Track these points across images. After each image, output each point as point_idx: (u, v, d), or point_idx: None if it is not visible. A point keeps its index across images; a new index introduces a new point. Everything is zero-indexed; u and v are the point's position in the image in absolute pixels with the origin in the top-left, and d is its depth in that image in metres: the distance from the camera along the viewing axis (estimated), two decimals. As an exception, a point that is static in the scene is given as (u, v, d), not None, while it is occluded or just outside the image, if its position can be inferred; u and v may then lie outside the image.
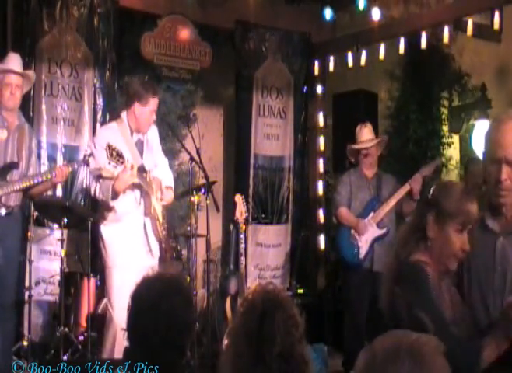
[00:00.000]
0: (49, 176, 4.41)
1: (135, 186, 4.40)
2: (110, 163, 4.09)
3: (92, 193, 4.40)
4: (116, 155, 4.05)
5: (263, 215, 6.93)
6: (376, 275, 5.30)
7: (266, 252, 6.95)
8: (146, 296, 2.10)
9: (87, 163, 4.65)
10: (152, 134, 4.69)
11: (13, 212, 4.44)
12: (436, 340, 1.47)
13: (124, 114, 4.53)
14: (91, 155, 4.47)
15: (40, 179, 4.40)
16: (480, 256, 2.49)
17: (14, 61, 4.57)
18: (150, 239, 4.52)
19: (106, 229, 4.51)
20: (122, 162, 4.08)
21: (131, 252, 4.43)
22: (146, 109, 4.45)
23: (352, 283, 5.41)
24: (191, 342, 2.20)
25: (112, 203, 4.31)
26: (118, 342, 4.24)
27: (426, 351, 1.42)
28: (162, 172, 4.72)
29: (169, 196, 4.67)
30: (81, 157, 5.46)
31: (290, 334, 1.85)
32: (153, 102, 4.48)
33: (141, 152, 4.53)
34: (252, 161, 6.91)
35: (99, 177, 4.29)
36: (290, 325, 1.87)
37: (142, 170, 4.39)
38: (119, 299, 4.25)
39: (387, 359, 1.42)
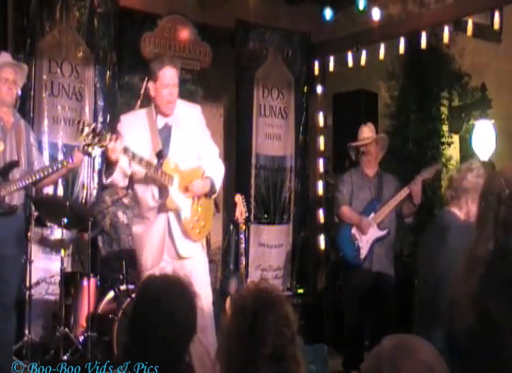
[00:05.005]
0: (51, 171, 4.41)
1: (150, 178, 3.95)
2: (85, 142, 3.65)
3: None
4: (90, 133, 3.61)
5: (265, 215, 6.93)
6: (377, 275, 5.32)
7: (268, 253, 6.95)
8: (148, 295, 2.10)
9: (86, 153, 4.59)
10: (188, 117, 4.11)
11: (17, 212, 4.43)
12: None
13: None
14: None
15: (41, 175, 4.39)
16: None
17: (7, 56, 4.57)
18: (176, 237, 4.02)
19: (135, 227, 4.16)
20: (100, 141, 3.62)
21: (154, 254, 4.03)
22: (158, 85, 3.93)
23: (352, 283, 5.41)
24: (188, 347, 2.17)
25: (107, 182, 3.89)
26: None
27: None
28: (206, 161, 4.14)
29: (199, 185, 4.04)
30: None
31: (282, 335, 1.84)
32: (163, 74, 3.92)
33: (166, 138, 4.01)
34: (254, 161, 6.91)
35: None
36: (282, 325, 1.86)
37: (159, 157, 3.94)
38: None
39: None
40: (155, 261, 4.02)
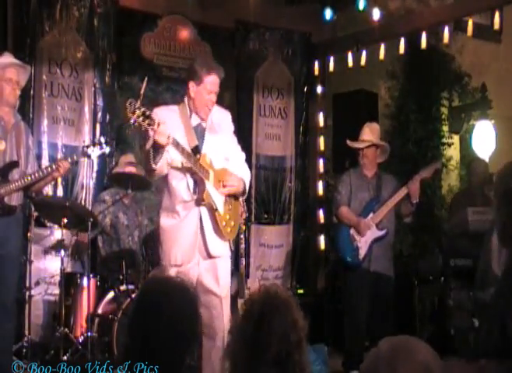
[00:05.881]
0: (50, 171, 4.39)
1: (187, 171, 3.92)
2: (135, 123, 3.59)
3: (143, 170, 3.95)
4: (141, 115, 3.55)
5: (265, 216, 6.93)
6: (376, 276, 5.31)
7: (268, 253, 6.95)
8: (150, 297, 2.09)
9: (86, 154, 4.58)
10: (221, 122, 4.16)
11: (16, 212, 4.43)
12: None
13: (185, 97, 4.09)
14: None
15: (41, 175, 4.37)
16: None
17: (11, 57, 4.56)
18: (208, 236, 3.97)
19: (161, 221, 4.03)
20: (149, 124, 3.58)
21: (184, 250, 3.95)
22: (201, 89, 3.97)
23: (352, 283, 5.40)
24: (191, 352, 2.17)
25: (155, 166, 3.74)
26: None
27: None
28: (234, 165, 4.16)
29: (235, 182, 4.07)
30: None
31: (287, 342, 1.82)
32: (209, 81, 3.99)
33: (200, 137, 4.01)
34: (254, 161, 6.90)
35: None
36: (288, 331, 1.84)
37: (195, 151, 3.92)
38: None
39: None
40: (186, 258, 3.94)
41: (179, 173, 3.94)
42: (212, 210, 3.97)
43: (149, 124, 3.58)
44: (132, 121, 3.60)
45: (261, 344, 1.81)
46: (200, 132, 4.03)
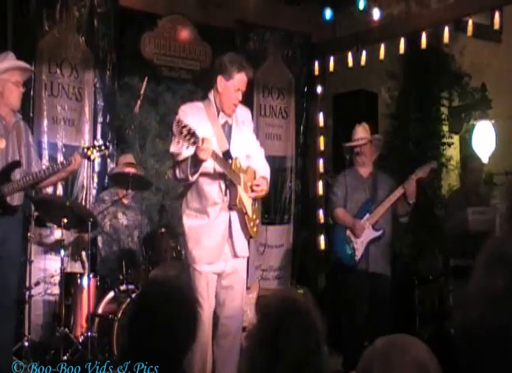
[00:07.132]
0: (58, 168, 4.39)
1: (219, 175, 3.96)
2: (178, 142, 3.70)
3: (173, 176, 4.02)
4: (187, 134, 3.58)
5: (265, 215, 6.93)
6: (373, 276, 5.31)
7: (269, 253, 6.95)
8: (148, 301, 2.09)
9: (86, 156, 4.58)
10: (245, 119, 4.22)
11: (17, 212, 4.43)
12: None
13: (210, 93, 4.10)
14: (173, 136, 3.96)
15: (46, 173, 4.37)
16: None
17: (14, 58, 4.56)
18: (235, 237, 4.05)
19: (189, 221, 4.06)
20: (194, 143, 3.61)
21: (211, 250, 4.00)
22: (229, 85, 3.99)
23: (350, 284, 5.40)
24: (186, 355, 2.17)
25: (192, 179, 3.85)
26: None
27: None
28: (256, 162, 4.24)
29: (264, 186, 4.16)
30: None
31: (305, 346, 1.81)
32: (238, 78, 4.00)
33: (228, 136, 4.07)
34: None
35: (177, 162, 3.90)
36: (306, 335, 1.83)
37: (227, 156, 3.99)
38: (204, 298, 3.92)
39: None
40: (211, 257, 4.00)
41: (211, 177, 3.98)
42: (242, 214, 4.05)
43: (194, 142, 3.63)
44: (178, 141, 3.69)
45: (278, 351, 1.80)
46: (227, 131, 4.08)
